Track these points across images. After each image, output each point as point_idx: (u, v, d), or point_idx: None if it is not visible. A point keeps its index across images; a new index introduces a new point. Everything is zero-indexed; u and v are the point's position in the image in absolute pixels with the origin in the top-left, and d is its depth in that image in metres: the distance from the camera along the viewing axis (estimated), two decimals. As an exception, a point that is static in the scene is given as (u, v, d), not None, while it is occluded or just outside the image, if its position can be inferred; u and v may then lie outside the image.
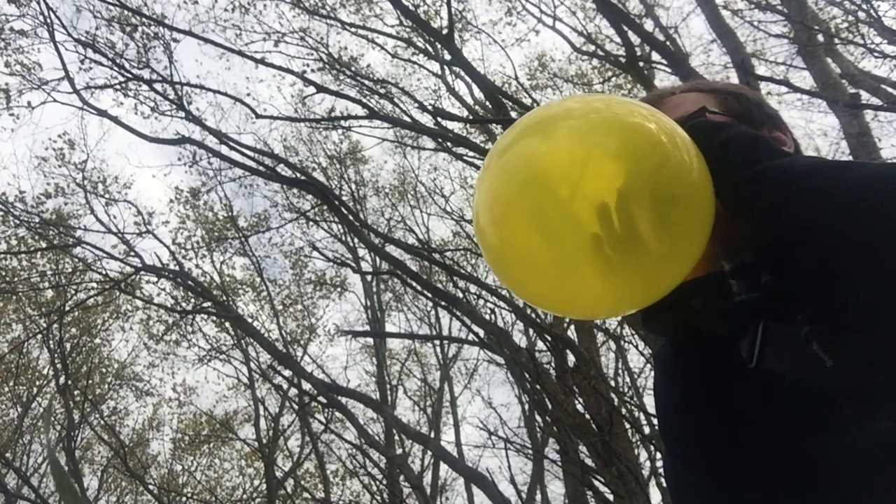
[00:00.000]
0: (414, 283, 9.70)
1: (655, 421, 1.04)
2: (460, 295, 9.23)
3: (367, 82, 10.07)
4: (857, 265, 0.64)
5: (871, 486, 0.71)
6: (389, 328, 14.40)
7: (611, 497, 6.50)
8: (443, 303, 9.34)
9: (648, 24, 8.33)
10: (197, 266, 11.49)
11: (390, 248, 10.07)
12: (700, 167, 0.80)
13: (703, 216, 0.80)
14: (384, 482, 11.50)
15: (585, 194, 0.77)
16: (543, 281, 0.85)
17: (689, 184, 0.78)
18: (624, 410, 7.51)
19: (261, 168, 9.42)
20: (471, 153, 10.02)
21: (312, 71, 10.19)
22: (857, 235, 0.62)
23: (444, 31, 8.92)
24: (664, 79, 9.68)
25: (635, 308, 0.89)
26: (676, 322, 0.88)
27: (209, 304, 10.69)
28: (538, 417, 9.23)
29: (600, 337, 9.76)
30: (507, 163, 0.86)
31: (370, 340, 13.90)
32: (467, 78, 9.83)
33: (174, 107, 9.29)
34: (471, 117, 10.19)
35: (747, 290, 0.87)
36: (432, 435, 12.79)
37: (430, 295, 10.11)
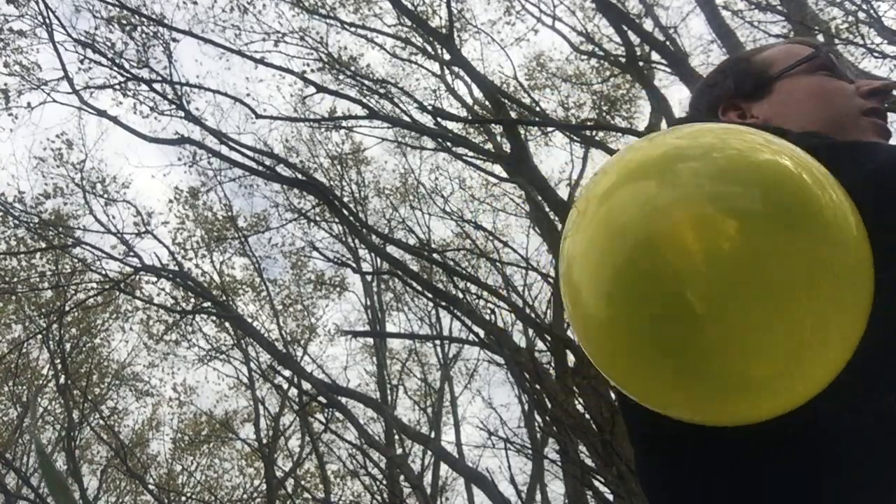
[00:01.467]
0: (414, 284, 9.70)
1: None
2: (460, 295, 9.23)
3: (366, 82, 10.08)
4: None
5: (876, 467, 0.70)
6: (389, 328, 14.41)
7: (611, 497, 6.50)
8: (443, 303, 9.33)
9: (648, 24, 8.33)
10: (197, 266, 11.49)
11: (390, 249, 10.07)
12: (842, 194, 0.67)
13: (862, 251, 0.66)
14: (384, 482, 11.49)
15: (730, 256, 0.61)
16: (670, 368, 0.66)
17: (843, 218, 0.65)
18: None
19: (261, 168, 9.42)
20: (471, 153, 10.02)
21: (312, 71, 10.19)
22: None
23: (444, 31, 8.92)
24: (664, 79, 9.69)
25: (793, 402, 0.68)
26: None
27: (209, 304, 10.69)
28: (538, 417, 9.23)
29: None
30: (618, 210, 0.68)
31: (370, 340, 13.90)
32: (467, 78, 9.83)
33: (174, 107, 9.29)
34: (470, 117, 10.19)
35: None
36: (432, 435, 12.79)
37: (430, 295, 10.11)
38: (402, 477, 10.63)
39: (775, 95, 0.96)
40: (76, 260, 10.79)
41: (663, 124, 8.52)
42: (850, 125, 0.91)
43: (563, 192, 11.33)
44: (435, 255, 10.46)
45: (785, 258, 0.61)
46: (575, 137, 10.73)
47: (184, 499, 14.76)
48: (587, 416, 6.92)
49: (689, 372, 0.65)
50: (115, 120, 9.27)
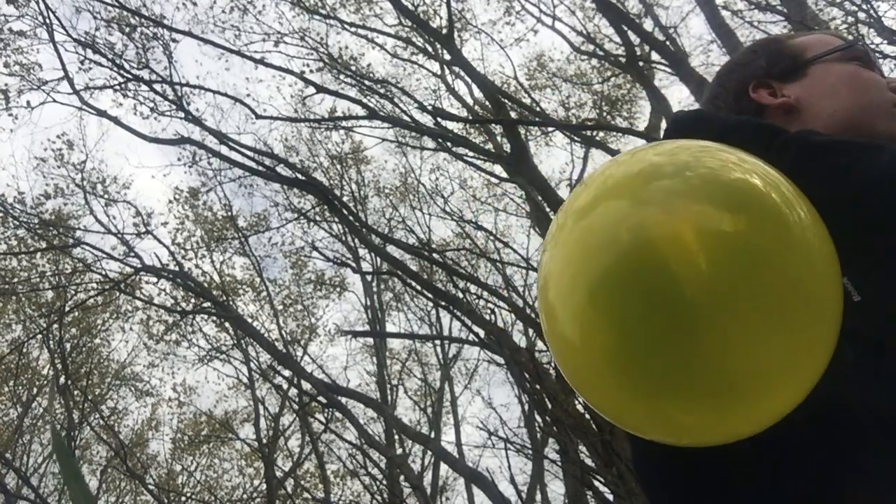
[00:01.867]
0: (414, 283, 9.71)
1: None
2: (460, 295, 9.23)
3: (367, 82, 10.08)
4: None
5: (874, 473, 0.71)
6: (389, 328, 14.41)
7: (611, 497, 6.50)
8: (443, 303, 9.34)
9: (648, 24, 8.33)
10: (197, 266, 11.50)
11: (391, 249, 10.07)
12: (810, 212, 0.68)
13: (831, 265, 0.67)
14: (384, 482, 11.50)
15: (700, 273, 0.62)
16: (641, 385, 0.66)
17: (810, 234, 0.66)
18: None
19: (261, 168, 9.43)
20: (471, 153, 10.02)
21: (312, 71, 10.20)
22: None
23: (444, 31, 8.92)
24: (664, 79, 9.69)
25: (763, 422, 0.69)
26: None
27: (209, 304, 10.70)
28: (538, 417, 9.23)
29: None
30: (593, 229, 0.69)
31: (370, 340, 13.90)
32: (467, 78, 9.84)
33: (174, 107, 9.30)
34: (471, 117, 10.19)
35: None
36: (432, 435, 12.80)
37: (430, 295, 10.11)
38: (402, 477, 10.63)
39: (809, 79, 0.96)
40: (76, 260, 10.79)
41: (663, 124, 8.52)
42: (881, 115, 0.92)
43: (563, 193, 11.33)
44: (435, 255, 10.46)
45: (752, 275, 0.62)
46: (575, 137, 10.73)
47: (184, 499, 14.76)
48: (587, 416, 6.91)
49: (659, 389, 0.65)
50: (115, 120, 9.28)
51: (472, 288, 9.48)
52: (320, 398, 9.85)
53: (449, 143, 9.89)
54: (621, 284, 0.65)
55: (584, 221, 0.71)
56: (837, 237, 0.67)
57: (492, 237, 11.90)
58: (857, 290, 0.68)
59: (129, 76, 9.18)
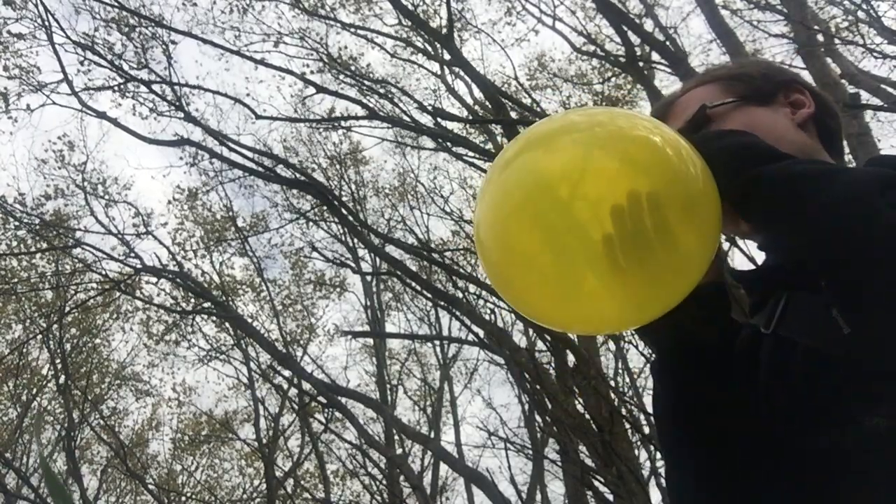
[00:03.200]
0: (414, 283, 9.70)
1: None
2: (460, 295, 9.23)
3: (366, 82, 10.07)
4: (844, 264, 0.67)
5: (864, 483, 0.72)
6: (389, 328, 14.41)
7: (611, 497, 6.49)
8: (443, 303, 9.34)
9: (648, 24, 8.32)
10: (196, 266, 11.49)
11: (390, 249, 10.07)
12: (705, 177, 0.80)
13: (710, 226, 0.80)
14: (384, 482, 11.50)
15: (591, 204, 0.77)
16: (548, 293, 0.84)
17: (695, 194, 0.78)
18: (624, 410, 7.50)
19: (260, 169, 9.42)
20: (471, 153, 10.02)
21: (312, 71, 10.18)
22: (838, 238, 0.67)
23: (444, 31, 8.91)
24: (664, 79, 9.69)
25: (641, 321, 0.88)
26: (670, 334, 0.88)
27: (209, 304, 10.69)
28: (538, 417, 9.23)
29: (600, 337, 9.76)
30: (511, 175, 0.85)
31: (370, 340, 13.90)
32: (467, 78, 9.83)
33: (173, 108, 9.29)
34: (470, 117, 10.19)
35: (776, 259, 0.90)
36: (432, 435, 12.80)
37: (429, 295, 10.11)
38: (402, 477, 10.64)
39: None
40: (77, 260, 10.79)
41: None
42: None
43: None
44: (434, 255, 10.46)
45: (641, 208, 0.75)
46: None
47: (184, 499, 14.77)
48: (587, 416, 6.91)
49: (565, 284, 0.82)
50: (114, 122, 9.28)
51: (472, 288, 9.48)
52: (320, 398, 9.85)
53: (449, 143, 9.88)
54: (527, 213, 0.80)
55: (506, 170, 0.85)
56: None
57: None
58: (846, 324, 0.70)
59: (129, 77, 9.18)
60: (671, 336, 0.89)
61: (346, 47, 10.96)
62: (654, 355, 0.94)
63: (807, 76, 7.26)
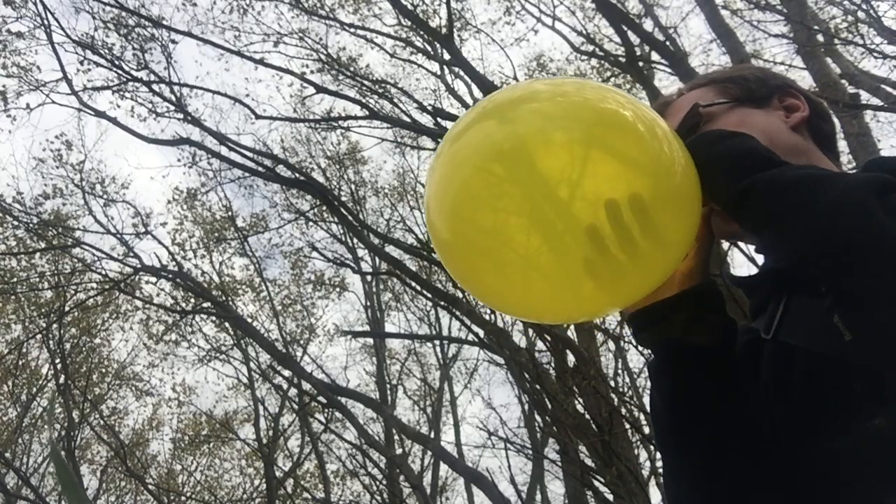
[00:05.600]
0: (414, 283, 9.70)
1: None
2: (460, 295, 9.23)
3: (366, 82, 10.06)
4: (843, 272, 0.67)
5: (865, 486, 0.72)
6: (389, 328, 14.41)
7: (611, 497, 6.49)
8: (442, 303, 9.33)
9: (648, 24, 8.32)
10: (196, 266, 11.49)
11: (390, 249, 10.07)
12: (685, 160, 0.75)
13: (685, 211, 0.75)
14: (384, 482, 11.50)
15: (548, 180, 0.69)
16: (501, 277, 0.77)
17: (668, 175, 0.73)
18: (624, 410, 7.50)
19: (260, 169, 9.42)
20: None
21: (311, 71, 10.18)
22: (836, 246, 0.66)
23: (444, 31, 8.91)
24: (664, 79, 9.68)
25: (592, 312, 0.84)
26: (663, 336, 0.88)
27: (209, 304, 10.68)
28: (538, 417, 9.23)
29: (600, 337, 9.76)
30: (461, 149, 0.77)
31: (370, 340, 13.90)
32: (466, 78, 9.82)
33: (173, 108, 9.29)
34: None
35: (775, 262, 0.89)
36: (432, 435, 12.80)
37: (429, 295, 10.11)
38: (402, 477, 10.64)
39: None
40: (76, 260, 10.78)
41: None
42: None
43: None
44: (434, 255, 10.45)
45: (603, 186, 0.70)
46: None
47: (184, 499, 14.76)
48: (587, 416, 6.91)
49: (512, 265, 0.75)
50: (114, 121, 9.27)
51: (472, 288, 9.45)
52: (320, 398, 9.84)
53: (448, 143, 9.87)
54: (478, 192, 0.73)
55: (456, 144, 0.78)
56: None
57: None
58: (847, 331, 0.70)
59: (128, 77, 9.18)
60: (662, 337, 0.88)
61: (345, 48, 10.97)
62: (649, 356, 0.94)
63: (807, 76, 7.27)
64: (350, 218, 9.49)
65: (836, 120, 1.03)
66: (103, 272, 10.38)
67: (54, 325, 11.28)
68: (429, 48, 10.42)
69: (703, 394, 0.86)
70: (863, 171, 0.84)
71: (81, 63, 9.01)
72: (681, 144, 0.76)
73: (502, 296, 0.84)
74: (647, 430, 7.87)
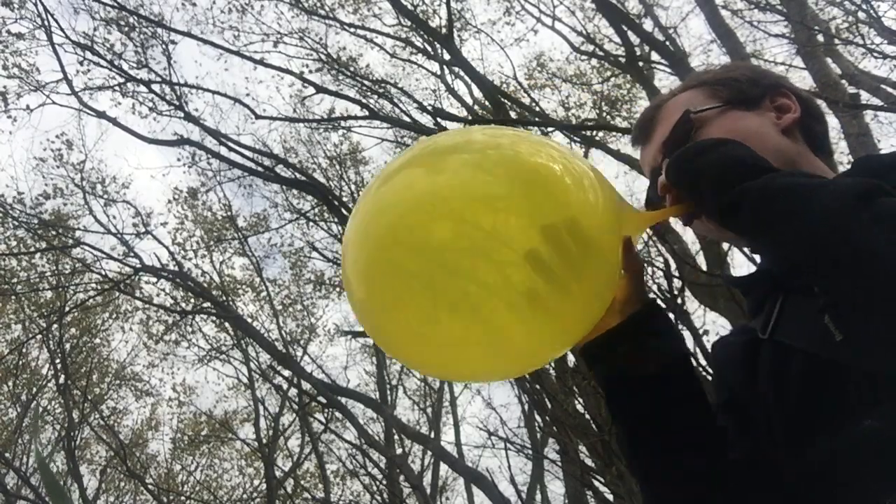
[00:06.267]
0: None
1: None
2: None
3: (366, 82, 10.07)
4: (833, 280, 0.68)
5: (862, 487, 0.73)
6: (389, 328, 14.34)
7: (611, 497, 6.49)
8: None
9: (648, 24, 8.33)
10: (196, 266, 11.49)
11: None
12: (605, 210, 0.76)
13: (602, 267, 0.76)
14: (384, 482, 11.49)
15: (467, 233, 0.69)
16: (410, 329, 0.74)
17: (590, 230, 0.74)
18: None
19: (260, 168, 9.42)
20: (470, 153, 10.01)
21: (311, 71, 10.18)
22: (824, 254, 0.67)
23: (444, 31, 8.91)
24: (663, 78, 9.68)
25: (509, 368, 0.83)
26: (608, 374, 0.89)
27: (209, 304, 10.68)
28: (538, 417, 9.22)
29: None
30: (387, 192, 0.75)
31: (370, 340, 13.86)
32: (466, 78, 9.83)
33: (173, 107, 9.28)
34: (470, 117, 10.18)
35: (770, 262, 0.90)
36: (432, 435, 12.79)
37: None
38: (402, 477, 10.63)
39: None
40: (76, 260, 10.78)
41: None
42: None
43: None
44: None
45: (523, 239, 0.70)
46: (575, 137, 10.71)
47: (183, 499, 14.76)
48: (587, 416, 6.91)
49: (429, 322, 0.72)
50: (114, 121, 9.28)
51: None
52: (320, 398, 9.84)
53: (448, 143, 9.87)
54: (397, 242, 0.71)
55: (382, 189, 0.76)
56: None
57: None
58: (838, 331, 0.72)
59: (128, 77, 9.18)
60: (608, 375, 0.89)
61: (345, 48, 10.98)
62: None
63: (807, 76, 7.26)
64: (350, 218, 9.48)
65: (831, 118, 1.04)
66: (103, 272, 10.40)
67: (54, 325, 11.28)
68: (429, 48, 10.42)
69: (656, 424, 0.87)
70: (850, 171, 0.85)
71: (81, 63, 9.02)
72: (604, 189, 0.78)
73: (409, 350, 0.80)
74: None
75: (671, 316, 0.94)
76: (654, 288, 5.26)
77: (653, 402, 0.86)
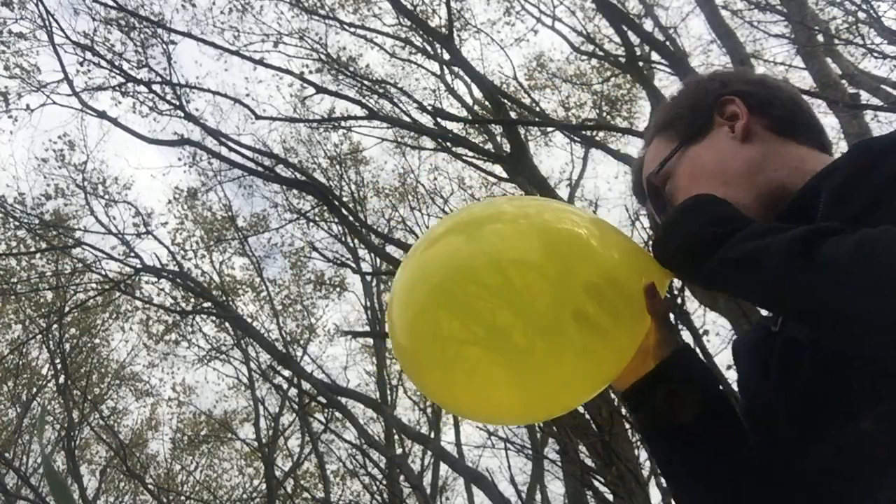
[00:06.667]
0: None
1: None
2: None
3: (366, 82, 10.07)
4: (811, 324, 0.74)
5: (865, 482, 0.72)
6: (389, 328, 14.33)
7: (611, 497, 6.49)
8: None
9: (648, 24, 8.32)
10: (196, 266, 11.49)
11: (390, 249, 10.06)
12: (628, 267, 0.86)
13: (630, 314, 0.85)
14: (384, 482, 11.49)
15: (503, 295, 0.79)
16: (451, 380, 0.84)
17: (614, 291, 0.83)
18: (624, 410, 7.51)
19: (260, 168, 9.42)
20: (470, 153, 10.01)
21: (311, 71, 10.18)
22: (794, 308, 0.73)
23: (443, 31, 8.92)
24: (664, 79, 9.68)
25: (546, 412, 0.95)
26: (648, 421, 0.93)
27: (209, 304, 10.68)
28: (538, 417, 9.21)
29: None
30: (432, 257, 0.86)
31: (370, 340, 13.89)
32: (466, 78, 9.82)
33: (173, 107, 9.28)
34: (470, 117, 10.18)
35: None
36: (432, 435, 12.79)
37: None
38: (402, 477, 10.63)
39: None
40: (76, 260, 10.78)
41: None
42: None
43: (563, 193, 11.33)
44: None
45: (554, 300, 0.80)
46: (575, 137, 10.72)
47: (183, 499, 14.76)
48: (587, 416, 6.91)
49: (464, 382, 0.83)
50: (115, 122, 9.27)
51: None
52: (320, 398, 9.84)
53: (448, 143, 9.88)
54: (441, 303, 0.81)
55: (427, 252, 0.86)
56: None
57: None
58: None
59: (129, 77, 9.18)
60: (648, 422, 0.93)
61: (345, 48, 10.98)
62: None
63: (807, 76, 7.25)
64: (351, 218, 9.50)
65: (831, 118, 1.05)
66: (103, 272, 10.39)
67: (54, 326, 11.28)
68: (429, 48, 10.42)
69: (695, 471, 0.91)
70: (848, 154, 0.85)
71: (82, 64, 9.01)
72: (627, 245, 0.89)
73: (452, 399, 0.90)
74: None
75: (695, 351, 1.01)
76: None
77: (686, 451, 0.90)
